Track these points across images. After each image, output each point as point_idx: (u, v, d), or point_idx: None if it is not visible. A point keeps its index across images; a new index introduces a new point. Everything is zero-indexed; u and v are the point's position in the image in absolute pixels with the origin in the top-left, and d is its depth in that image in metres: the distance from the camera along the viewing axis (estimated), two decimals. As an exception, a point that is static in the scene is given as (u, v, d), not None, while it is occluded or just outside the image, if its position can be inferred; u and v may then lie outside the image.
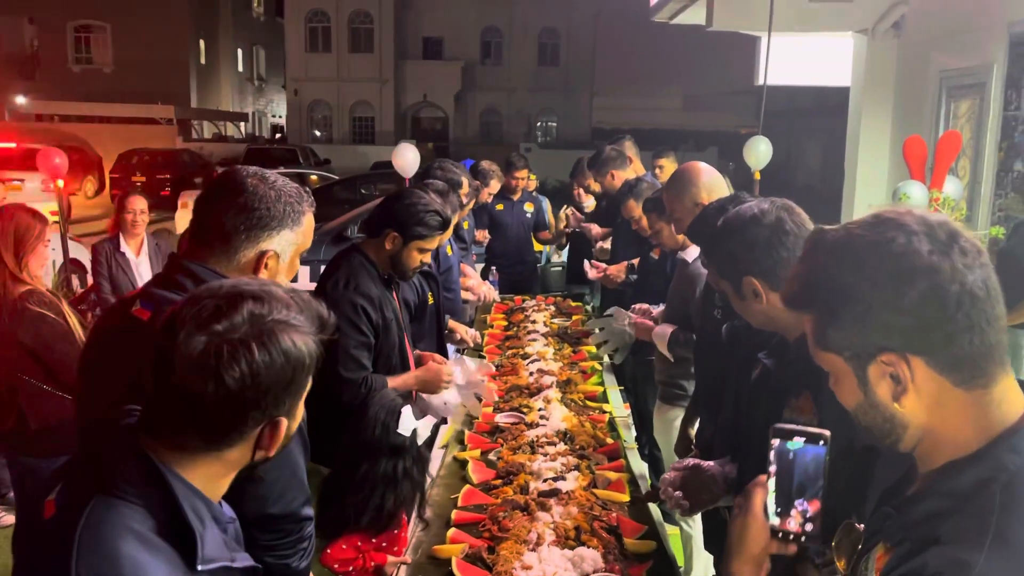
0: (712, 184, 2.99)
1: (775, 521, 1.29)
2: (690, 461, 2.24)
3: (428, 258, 3.03)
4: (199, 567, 1.11)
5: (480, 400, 3.41)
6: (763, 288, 1.85)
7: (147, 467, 1.12)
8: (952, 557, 0.95)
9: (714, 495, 2.15)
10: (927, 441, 1.08)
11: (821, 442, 1.28)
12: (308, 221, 1.82)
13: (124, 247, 5.15)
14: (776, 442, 1.30)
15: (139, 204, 5.20)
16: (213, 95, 40.70)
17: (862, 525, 1.17)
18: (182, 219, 13.41)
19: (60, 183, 6.60)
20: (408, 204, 2.89)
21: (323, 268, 3.06)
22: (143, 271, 5.22)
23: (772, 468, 1.30)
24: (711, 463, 2.19)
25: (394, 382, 2.90)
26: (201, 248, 1.75)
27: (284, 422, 1.20)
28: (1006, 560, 0.94)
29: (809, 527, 1.28)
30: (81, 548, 1.04)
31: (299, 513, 1.79)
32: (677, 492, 2.17)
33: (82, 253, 7.91)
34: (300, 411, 1.26)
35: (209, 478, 1.18)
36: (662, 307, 3.81)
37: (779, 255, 1.83)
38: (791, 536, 1.29)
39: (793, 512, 1.29)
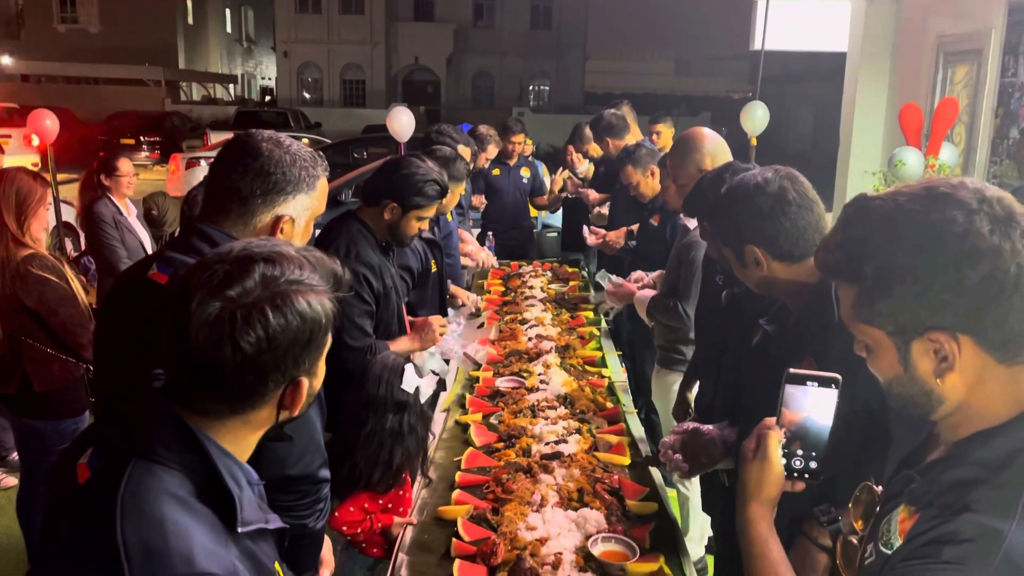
0: (716, 150, 2.99)
1: (783, 460, 1.34)
2: (689, 425, 2.28)
3: (426, 226, 3.04)
4: (239, 529, 1.12)
5: (479, 366, 3.43)
6: (765, 256, 1.87)
7: (183, 431, 1.13)
8: (983, 525, 0.96)
9: (713, 458, 2.19)
10: (959, 413, 1.09)
11: (833, 385, 1.33)
12: (322, 186, 1.83)
13: (123, 210, 5.14)
14: (789, 387, 1.35)
15: (129, 166, 5.20)
16: (201, 57, 40.09)
17: (880, 487, 1.20)
18: (174, 182, 13.31)
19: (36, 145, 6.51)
20: (406, 174, 2.88)
21: (317, 233, 3.06)
22: (141, 232, 5.22)
23: (784, 411, 1.35)
24: (710, 427, 2.23)
25: (395, 346, 2.93)
26: (217, 212, 1.75)
27: (305, 381, 1.20)
28: None
29: (814, 465, 1.34)
30: (125, 514, 1.04)
31: (316, 475, 1.82)
32: (676, 455, 2.21)
33: (73, 216, 7.86)
34: (322, 369, 1.26)
35: (237, 440, 1.19)
36: (659, 273, 3.83)
37: (782, 224, 1.84)
38: (795, 474, 1.34)
39: (801, 451, 1.34)
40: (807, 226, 1.82)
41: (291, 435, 1.30)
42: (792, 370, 1.36)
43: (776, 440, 1.33)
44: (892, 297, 1.06)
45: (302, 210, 1.79)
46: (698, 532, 3.64)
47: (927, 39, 7.41)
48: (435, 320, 3.07)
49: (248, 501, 1.17)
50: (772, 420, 1.35)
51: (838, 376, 1.33)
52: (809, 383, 1.34)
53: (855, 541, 1.20)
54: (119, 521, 1.04)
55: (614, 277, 3.90)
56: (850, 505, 1.23)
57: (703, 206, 2.26)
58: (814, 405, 1.34)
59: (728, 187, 1.94)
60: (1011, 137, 6.68)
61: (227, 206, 1.74)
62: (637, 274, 4.04)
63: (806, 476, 1.35)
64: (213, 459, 1.13)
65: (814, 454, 1.34)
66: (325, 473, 1.87)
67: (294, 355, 1.15)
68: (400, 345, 2.96)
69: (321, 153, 1.86)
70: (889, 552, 1.06)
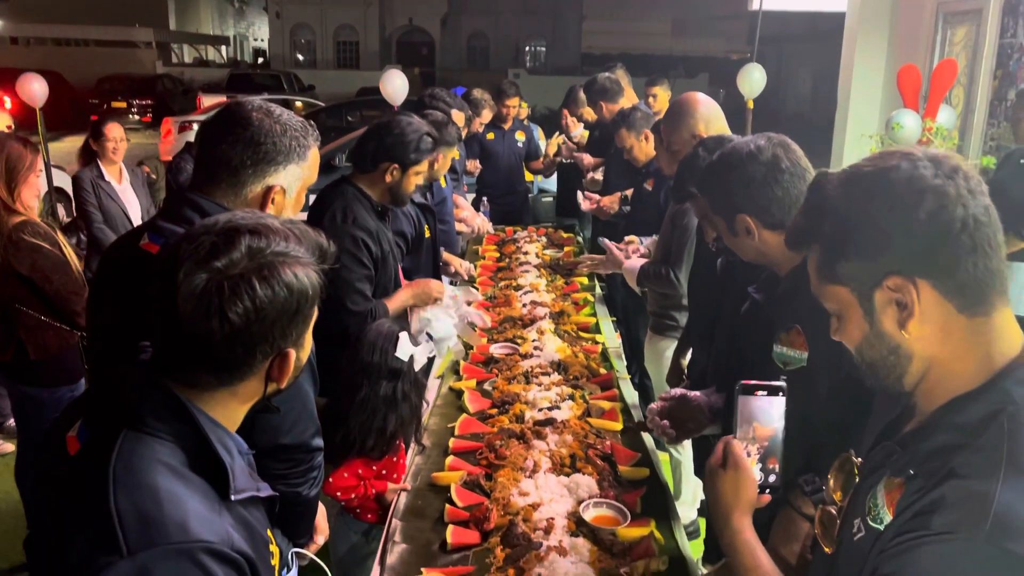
0: (710, 116, 2.96)
1: None
2: (677, 391, 2.30)
3: (422, 180, 3.05)
4: (232, 497, 1.14)
5: (475, 328, 3.45)
6: (756, 226, 1.86)
7: (172, 402, 1.14)
8: (969, 490, 0.97)
9: (700, 424, 2.21)
10: (930, 376, 1.10)
11: (780, 393, 1.38)
12: (314, 156, 1.82)
13: (107, 175, 5.09)
14: (742, 399, 1.39)
15: (118, 132, 5.14)
16: (192, 18, 39.55)
17: (859, 459, 1.21)
18: (166, 146, 13.20)
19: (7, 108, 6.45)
20: (399, 133, 2.89)
21: (311, 199, 3.05)
22: (129, 199, 5.19)
23: (741, 424, 1.38)
24: (697, 393, 2.24)
25: (391, 303, 2.95)
26: (208, 182, 1.75)
27: (293, 353, 1.21)
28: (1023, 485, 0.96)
29: (773, 479, 1.38)
30: (117, 483, 1.05)
31: (309, 444, 1.83)
32: (664, 421, 2.23)
33: (66, 181, 7.82)
34: (309, 341, 1.27)
35: (226, 411, 1.20)
36: (653, 239, 3.83)
37: (774, 193, 1.83)
38: (758, 488, 1.37)
39: (760, 463, 1.37)
40: (800, 195, 1.81)
41: (279, 407, 1.31)
42: (743, 382, 1.40)
43: (740, 446, 1.36)
44: (849, 247, 1.10)
45: (293, 180, 1.78)
46: (690, 495, 3.68)
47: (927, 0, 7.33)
48: (432, 283, 3.11)
49: (240, 470, 1.18)
50: (730, 436, 1.39)
51: (783, 384, 1.38)
52: (759, 392, 1.39)
53: (833, 512, 1.21)
54: (112, 491, 1.04)
55: (606, 241, 3.90)
56: (829, 476, 1.24)
57: (697, 174, 2.25)
58: (765, 415, 1.38)
59: (720, 155, 1.93)
60: (1009, 99, 6.63)
61: (217, 176, 1.73)
62: (631, 239, 4.04)
63: (767, 490, 1.38)
64: (203, 429, 1.14)
65: (773, 467, 1.37)
66: (318, 442, 1.88)
67: (281, 326, 1.16)
68: (397, 301, 2.99)
69: (312, 123, 1.84)
70: (880, 527, 1.06)
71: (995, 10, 6.68)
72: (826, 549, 1.20)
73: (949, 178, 1.04)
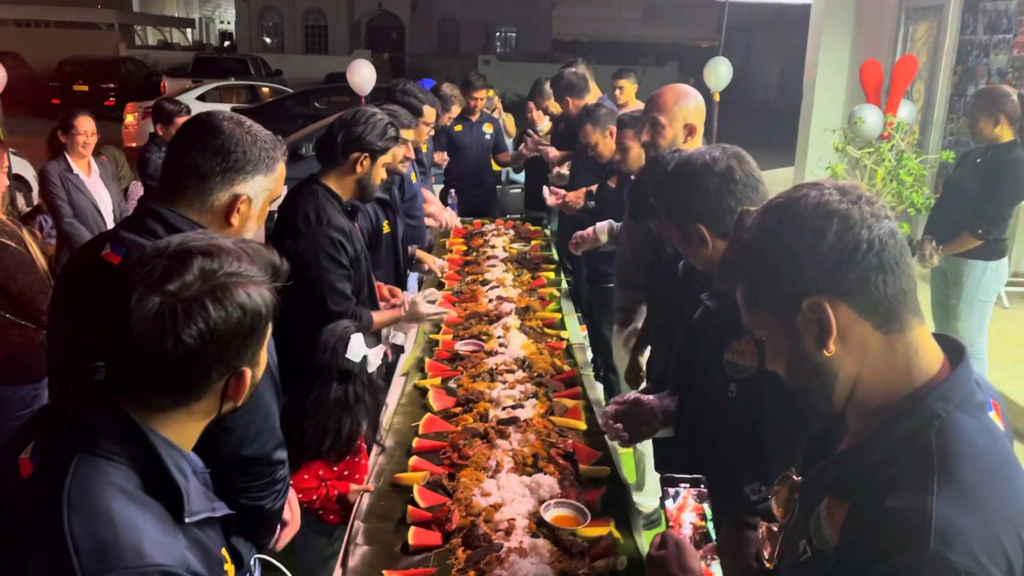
0: (701, 110, 2.95)
1: None
2: (631, 395, 2.34)
3: (385, 174, 3.08)
4: (186, 519, 1.15)
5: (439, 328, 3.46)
6: (710, 235, 1.90)
7: (127, 425, 1.15)
8: (907, 506, 1.00)
9: (653, 428, 2.25)
10: (856, 394, 1.14)
11: (702, 484, 1.44)
12: (281, 169, 1.84)
13: (76, 168, 5.02)
14: (668, 491, 1.45)
15: (89, 126, 5.06)
16: (156, -1, 38.79)
17: (799, 477, 1.25)
18: (130, 133, 12.98)
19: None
20: (366, 123, 2.90)
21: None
22: (99, 192, 5.12)
23: (670, 516, 1.43)
24: (650, 397, 2.28)
25: (380, 317, 2.98)
26: (173, 191, 1.75)
27: (248, 372, 1.22)
28: (957, 495, 0.98)
29: (715, 566, 1.40)
30: (72, 508, 1.06)
31: (271, 456, 1.83)
32: (617, 424, 2.27)
33: (24, 167, 7.67)
34: (263, 359, 1.28)
35: (181, 431, 1.21)
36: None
37: (728, 203, 1.87)
38: None
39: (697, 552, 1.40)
40: (752, 205, 1.85)
41: (231, 425, 1.32)
42: (665, 475, 1.45)
43: (674, 537, 1.40)
44: (767, 274, 1.15)
45: (260, 191, 1.80)
46: (654, 486, 3.74)
47: (890, -5, 7.44)
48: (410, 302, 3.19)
49: (195, 491, 1.20)
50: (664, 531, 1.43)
51: (702, 476, 1.45)
52: (682, 485, 1.44)
53: (775, 529, 1.25)
54: (66, 515, 1.05)
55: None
56: (771, 495, 1.28)
57: (655, 182, 2.27)
58: (692, 505, 1.43)
59: (675, 165, 1.96)
60: (968, 94, 6.77)
61: (184, 184, 1.74)
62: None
63: None
64: (159, 452, 1.15)
65: (709, 553, 1.40)
66: (281, 454, 1.87)
67: (236, 346, 1.18)
68: (385, 317, 3.06)
69: (280, 138, 1.87)
70: (827, 550, 1.09)
71: (956, 7, 6.79)
72: (767, 564, 1.24)
73: (854, 203, 1.10)
